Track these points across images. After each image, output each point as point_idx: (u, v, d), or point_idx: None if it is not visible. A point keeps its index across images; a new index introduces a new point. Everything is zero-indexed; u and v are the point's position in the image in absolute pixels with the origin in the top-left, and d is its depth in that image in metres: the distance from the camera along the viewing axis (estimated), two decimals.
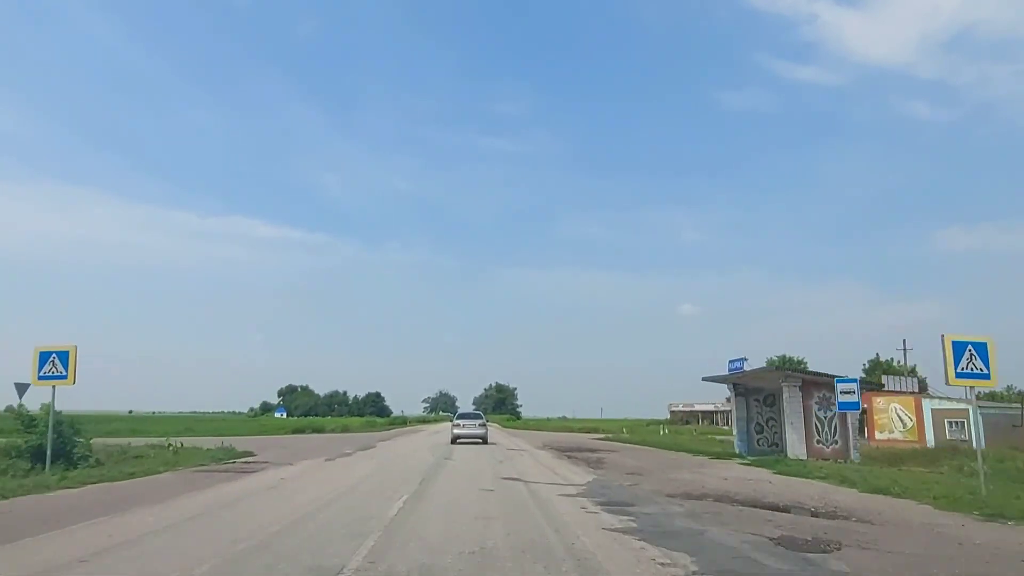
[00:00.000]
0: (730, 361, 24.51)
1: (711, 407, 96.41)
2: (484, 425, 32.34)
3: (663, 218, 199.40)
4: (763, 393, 25.80)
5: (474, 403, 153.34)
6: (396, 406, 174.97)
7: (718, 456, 23.47)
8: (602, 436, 47.28)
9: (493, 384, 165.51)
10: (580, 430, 66.94)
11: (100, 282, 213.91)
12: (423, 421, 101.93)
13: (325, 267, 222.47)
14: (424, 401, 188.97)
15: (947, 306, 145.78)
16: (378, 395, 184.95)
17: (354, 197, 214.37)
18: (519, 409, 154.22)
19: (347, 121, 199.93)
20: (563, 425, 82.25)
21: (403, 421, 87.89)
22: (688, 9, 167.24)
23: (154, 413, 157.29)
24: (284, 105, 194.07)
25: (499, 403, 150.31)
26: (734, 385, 25.61)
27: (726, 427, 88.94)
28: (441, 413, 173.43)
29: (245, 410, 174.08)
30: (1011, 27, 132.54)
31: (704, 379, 27.05)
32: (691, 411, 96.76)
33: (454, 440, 30.42)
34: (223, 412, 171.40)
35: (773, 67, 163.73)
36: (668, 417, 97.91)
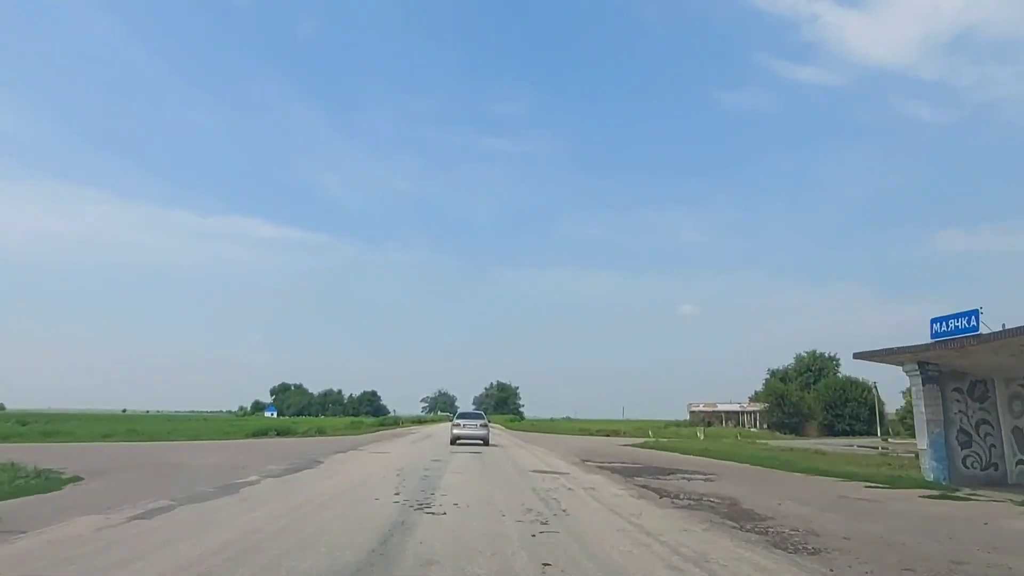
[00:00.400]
0: (934, 320, 13.71)
1: (736, 407, 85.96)
2: (486, 426, 28.82)
3: (663, 218, 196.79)
4: (967, 380, 15.07)
5: (474, 403, 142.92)
6: (394, 405, 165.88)
7: (923, 490, 12.66)
8: (638, 443, 36.51)
9: (494, 383, 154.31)
10: (599, 432, 56.14)
11: (100, 282, 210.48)
12: (419, 421, 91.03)
13: (325, 267, 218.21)
14: (423, 401, 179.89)
15: (947, 307, 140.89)
16: (374, 394, 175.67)
17: (354, 197, 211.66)
18: (521, 409, 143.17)
19: (347, 121, 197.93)
20: (574, 427, 71.40)
21: (395, 421, 76.78)
22: (688, 9, 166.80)
23: (148, 412, 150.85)
24: (284, 105, 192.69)
25: (501, 402, 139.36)
26: (921, 365, 14.83)
27: (755, 429, 78.10)
28: (439, 413, 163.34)
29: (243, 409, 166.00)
30: (1013, 28, 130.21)
31: (865, 355, 15.97)
32: (713, 411, 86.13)
33: (453, 441, 26.90)
34: (218, 412, 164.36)
35: (774, 67, 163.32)
36: (688, 418, 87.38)
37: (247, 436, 40.57)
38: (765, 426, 77.61)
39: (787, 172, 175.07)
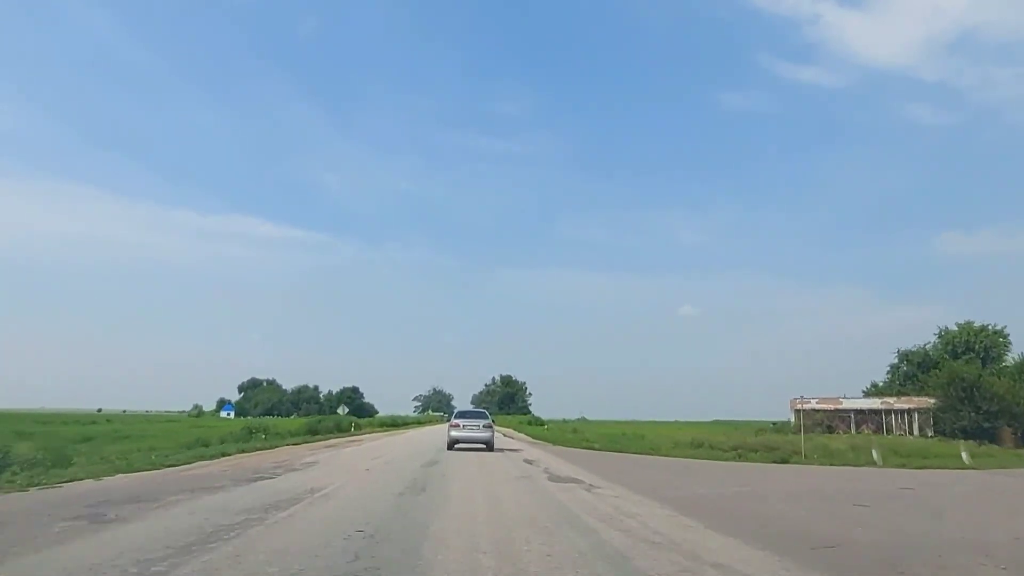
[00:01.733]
0: None
1: (877, 404, 54.66)
2: (490, 427, 23.74)
3: (664, 219, 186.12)
4: None
5: (473, 401, 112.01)
6: (388, 404, 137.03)
7: None
8: None
9: (497, 377, 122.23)
10: (737, 452, 24.99)
11: (99, 280, 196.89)
12: (391, 425, 59.84)
13: (325, 266, 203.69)
14: (415, 399, 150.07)
15: (949, 310, 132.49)
16: (354, 390, 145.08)
17: (354, 197, 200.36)
18: (531, 408, 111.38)
19: (347, 121, 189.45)
20: (659, 435, 39.01)
21: (341, 425, 44.78)
22: (689, 9, 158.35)
23: (124, 412, 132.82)
24: (285, 105, 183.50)
25: (506, 399, 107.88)
26: None
27: (909, 436, 46.26)
28: (432, 412, 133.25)
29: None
30: (1015, 30, 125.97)
31: None
32: (836, 410, 54.62)
33: (451, 445, 22.37)
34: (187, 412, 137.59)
35: (775, 68, 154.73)
36: (791, 419, 56.14)
37: None
38: (930, 433, 46.52)
39: (789, 174, 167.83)
